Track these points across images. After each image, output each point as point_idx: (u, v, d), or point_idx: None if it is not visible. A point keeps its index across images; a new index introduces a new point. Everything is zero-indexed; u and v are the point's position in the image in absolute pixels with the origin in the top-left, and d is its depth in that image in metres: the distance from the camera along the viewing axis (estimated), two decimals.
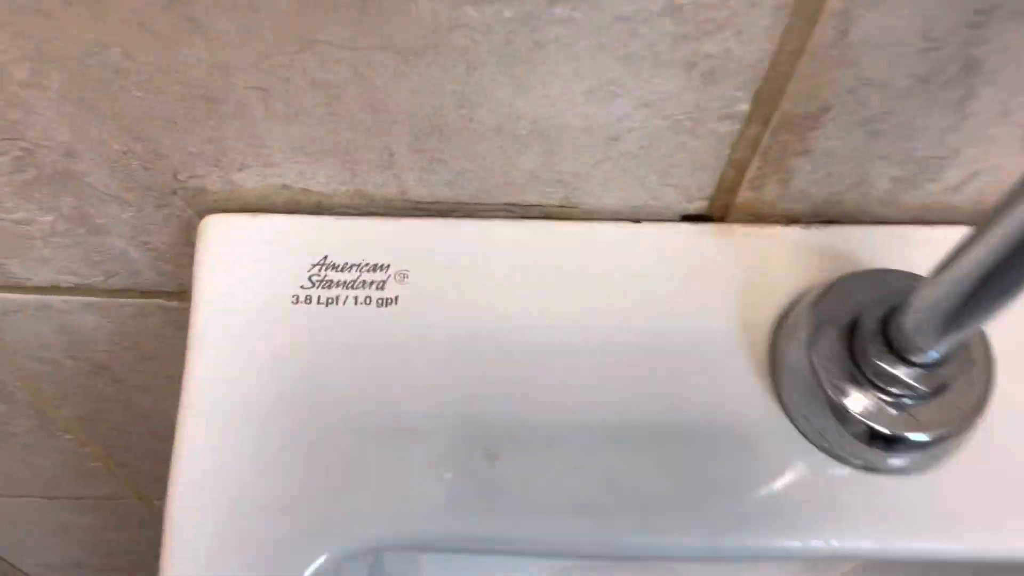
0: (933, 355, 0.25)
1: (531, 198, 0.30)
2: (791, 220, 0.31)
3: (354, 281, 0.29)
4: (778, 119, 0.27)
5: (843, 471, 0.27)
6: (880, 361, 0.25)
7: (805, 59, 0.25)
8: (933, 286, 0.23)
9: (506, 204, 0.30)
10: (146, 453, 0.49)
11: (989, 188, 0.30)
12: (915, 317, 0.24)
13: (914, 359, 0.25)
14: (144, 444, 0.48)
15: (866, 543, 0.26)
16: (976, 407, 0.26)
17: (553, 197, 0.30)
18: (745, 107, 0.26)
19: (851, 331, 0.27)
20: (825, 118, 0.27)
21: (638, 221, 0.31)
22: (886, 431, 0.26)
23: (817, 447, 0.27)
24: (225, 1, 0.23)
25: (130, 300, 0.35)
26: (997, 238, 0.20)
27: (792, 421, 0.28)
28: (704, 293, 0.30)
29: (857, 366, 0.26)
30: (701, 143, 0.28)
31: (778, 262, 0.30)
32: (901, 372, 0.25)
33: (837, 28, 0.24)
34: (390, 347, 0.28)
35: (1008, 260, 0.20)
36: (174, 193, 0.30)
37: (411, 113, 0.26)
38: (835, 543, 0.27)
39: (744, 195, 0.30)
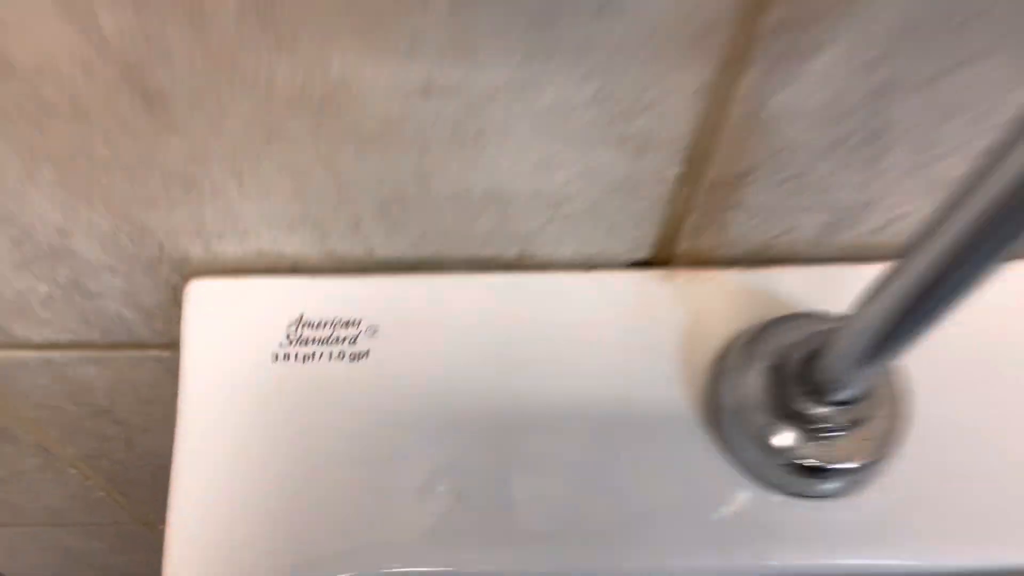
0: (851, 392, 0.28)
1: (489, 252, 0.33)
2: (730, 263, 0.34)
3: (328, 337, 0.32)
4: (708, 181, 0.29)
5: (777, 498, 0.30)
6: (803, 399, 0.28)
7: (725, 132, 0.27)
8: (846, 329, 0.26)
9: (466, 259, 0.33)
10: (148, 484, 0.52)
11: (912, 228, 0.33)
12: (832, 358, 0.27)
13: (833, 397, 0.28)
14: (146, 476, 0.51)
15: (799, 560, 0.29)
16: (893, 437, 0.29)
17: (510, 251, 0.33)
18: (677, 171, 0.29)
19: (778, 371, 0.29)
20: (750, 178, 0.29)
21: (590, 268, 0.33)
22: (810, 463, 0.29)
23: (754, 478, 0.30)
24: (199, 106, 0.25)
25: (126, 352, 0.38)
26: (895, 286, 0.23)
27: (731, 455, 0.30)
28: (650, 336, 0.32)
29: (784, 404, 0.29)
30: (640, 203, 0.30)
31: (718, 305, 0.33)
32: (821, 409, 0.28)
33: (751, 106, 0.26)
34: (363, 399, 0.31)
35: (910, 305, 0.23)
36: (160, 261, 0.32)
37: (374, 188, 0.29)
38: (772, 562, 0.29)
39: (684, 244, 0.33)
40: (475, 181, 0.29)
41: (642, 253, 0.33)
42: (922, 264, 0.22)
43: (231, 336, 0.32)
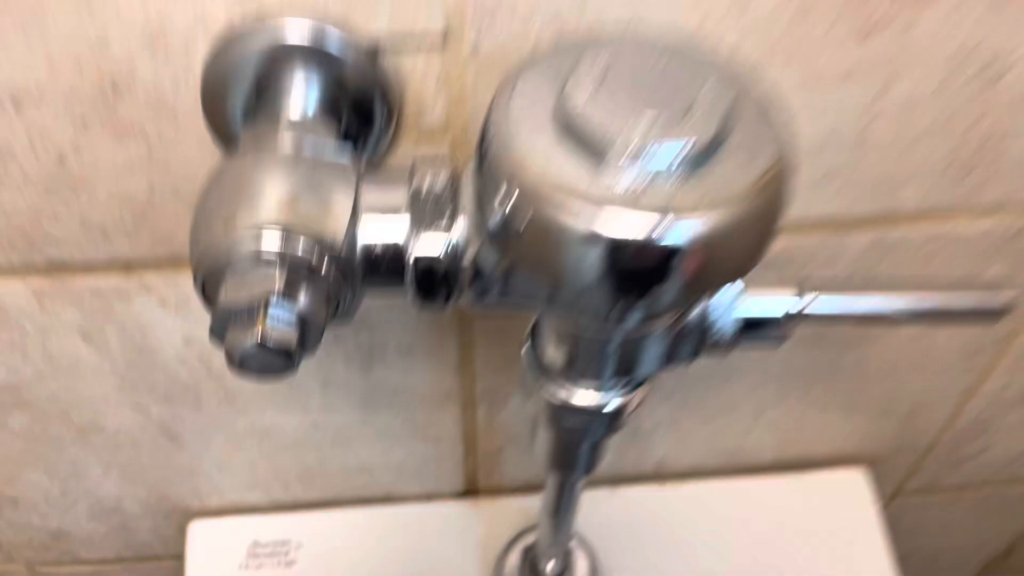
0: (557, 567, 0.50)
1: (367, 494, 0.56)
2: (516, 491, 0.57)
3: (272, 552, 0.54)
4: (481, 453, 0.53)
5: None
6: None
7: (480, 431, 0.51)
8: (539, 530, 0.48)
9: (353, 498, 0.56)
10: None
11: (614, 469, 0.56)
12: (538, 548, 0.49)
13: (549, 572, 0.50)
14: None
15: None
16: None
17: (380, 492, 0.56)
18: (461, 450, 0.52)
19: (523, 562, 0.51)
20: (504, 450, 0.53)
21: (429, 500, 0.56)
22: None
23: None
24: (200, 440, 0.49)
25: (149, 563, 0.60)
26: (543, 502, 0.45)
27: None
28: (464, 542, 0.55)
29: None
30: (449, 464, 0.54)
31: (504, 520, 0.55)
32: None
33: (488, 420, 0.50)
34: None
35: (549, 512, 0.45)
36: (173, 512, 0.55)
37: (294, 469, 0.52)
38: None
39: (482, 483, 0.56)
40: (351, 462, 0.52)
41: (459, 488, 0.56)
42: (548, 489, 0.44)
43: (215, 554, 0.54)
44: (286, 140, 0.29)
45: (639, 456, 0.55)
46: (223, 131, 0.31)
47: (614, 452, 0.54)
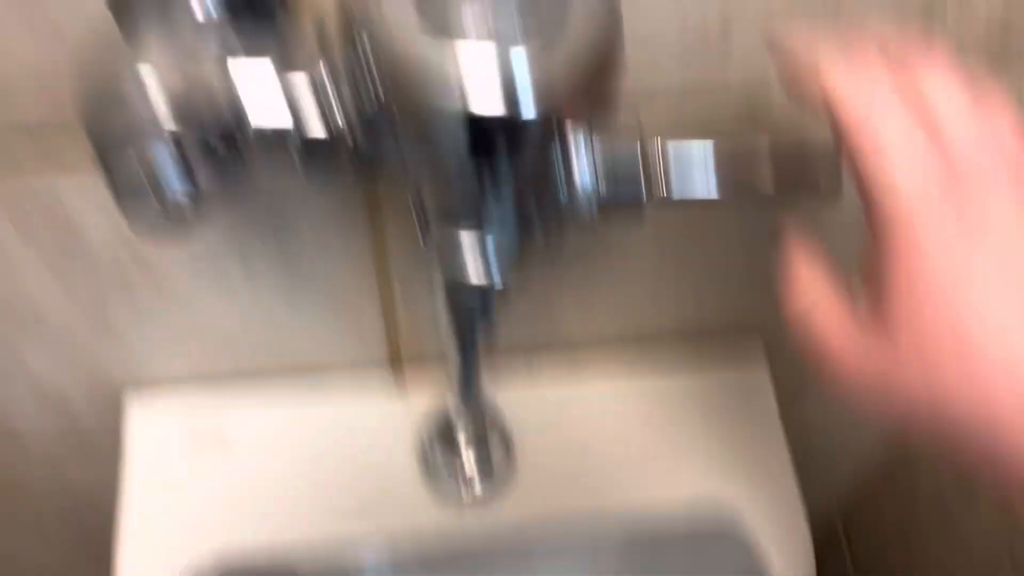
0: (471, 437, 0.55)
1: (295, 368, 0.59)
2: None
3: (209, 429, 0.58)
4: (402, 326, 0.57)
5: (453, 508, 0.57)
6: (451, 444, 0.55)
7: (399, 309, 0.54)
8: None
9: (282, 370, 0.59)
10: None
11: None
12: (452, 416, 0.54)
13: (464, 440, 0.55)
14: None
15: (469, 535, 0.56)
16: (509, 461, 0.56)
17: (307, 364, 0.59)
18: (382, 325, 0.56)
19: (439, 431, 0.56)
20: (426, 323, 0.57)
21: (355, 367, 0.60)
22: (465, 478, 0.55)
23: (443, 495, 0.57)
24: (132, 317, 0.52)
25: (93, 444, 0.64)
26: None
27: (430, 479, 0.57)
28: (390, 415, 0.59)
29: (447, 447, 0.56)
30: (372, 337, 0.57)
31: (428, 390, 0.60)
32: (463, 449, 0.55)
33: (411, 319, 0.54)
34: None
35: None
36: (110, 395, 0.58)
37: (223, 344, 0.56)
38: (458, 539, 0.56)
39: (406, 352, 0.60)
40: (280, 337, 0.56)
41: (384, 358, 0.60)
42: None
43: (154, 432, 0.58)
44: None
45: (549, 328, 0.60)
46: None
47: (526, 325, 0.58)
